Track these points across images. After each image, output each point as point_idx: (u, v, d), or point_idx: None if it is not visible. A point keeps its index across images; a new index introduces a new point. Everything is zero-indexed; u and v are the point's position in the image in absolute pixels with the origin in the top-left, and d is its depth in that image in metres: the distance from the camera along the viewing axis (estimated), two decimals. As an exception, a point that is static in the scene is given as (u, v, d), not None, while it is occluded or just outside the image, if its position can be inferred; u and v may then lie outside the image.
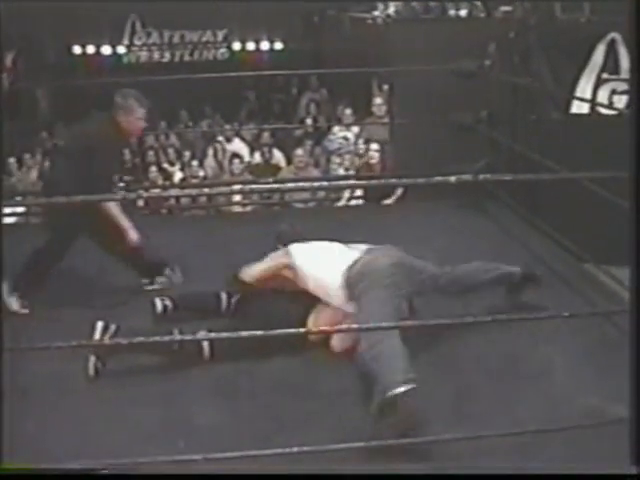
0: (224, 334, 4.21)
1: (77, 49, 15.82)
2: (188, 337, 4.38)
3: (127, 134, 5.67)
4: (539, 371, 4.33)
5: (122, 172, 5.48)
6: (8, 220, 8.24)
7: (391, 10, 9.52)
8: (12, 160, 11.44)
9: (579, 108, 6.86)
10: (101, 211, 5.31)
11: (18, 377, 4.04)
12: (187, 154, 11.86)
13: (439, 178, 3.36)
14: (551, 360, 4.42)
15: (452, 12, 9.10)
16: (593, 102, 6.77)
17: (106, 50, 15.96)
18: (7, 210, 7.98)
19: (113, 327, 4.56)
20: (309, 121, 12.97)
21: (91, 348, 4.47)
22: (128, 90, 5.58)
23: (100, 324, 4.57)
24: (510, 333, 4.35)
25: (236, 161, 10.49)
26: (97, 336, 4.50)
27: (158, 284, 5.77)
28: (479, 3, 8.84)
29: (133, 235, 5.42)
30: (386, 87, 9.78)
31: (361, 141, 10.27)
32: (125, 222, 5.43)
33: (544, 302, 4.87)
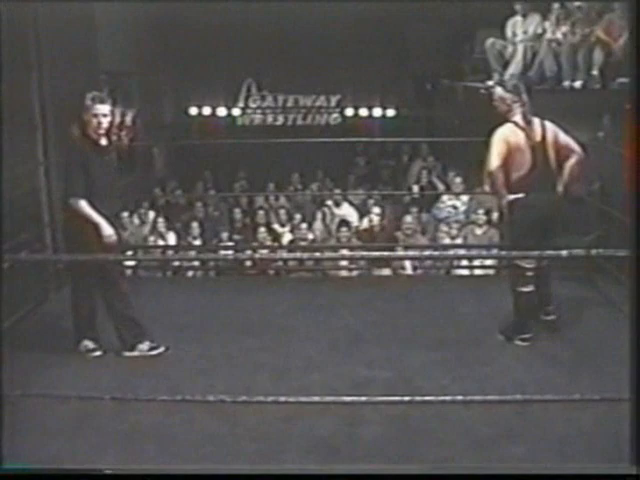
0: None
1: (193, 110, 16.25)
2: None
3: (92, 136, 5.78)
4: None
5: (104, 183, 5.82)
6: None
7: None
8: (126, 214, 11.70)
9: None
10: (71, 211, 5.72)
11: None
12: (296, 216, 11.97)
13: (550, 252, 3.32)
14: None
15: (566, 83, 9.04)
16: None
17: (221, 112, 16.34)
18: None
19: None
20: (416, 188, 12.96)
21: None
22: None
23: None
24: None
25: (344, 228, 10.51)
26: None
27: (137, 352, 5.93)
28: (596, 74, 8.77)
29: (107, 230, 5.67)
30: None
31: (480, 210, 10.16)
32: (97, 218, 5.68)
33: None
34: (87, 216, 5.64)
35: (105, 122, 5.71)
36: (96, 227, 5.63)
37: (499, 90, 6.17)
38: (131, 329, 5.90)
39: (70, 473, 3.25)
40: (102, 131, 5.73)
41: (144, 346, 5.90)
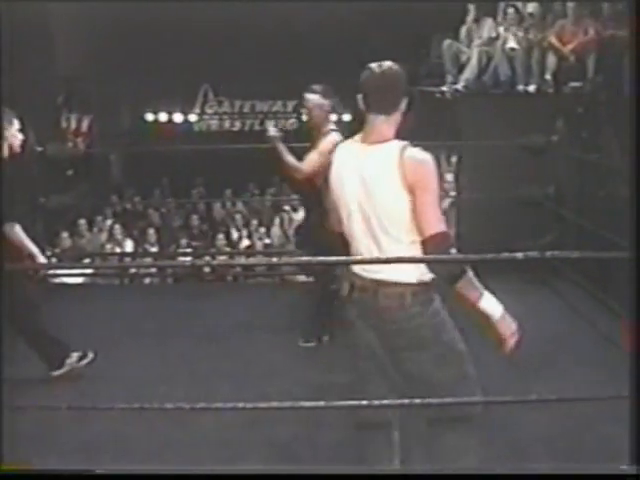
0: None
1: (150, 116, 16.19)
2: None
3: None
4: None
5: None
6: (76, 280, 8.40)
7: (460, 85, 9.54)
8: (82, 222, 11.63)
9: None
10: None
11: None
12: (254, 222, 11.96)
13: (506, 254, 3.33)
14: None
15: (520, 87, 9.11)
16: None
17: (178, 118, 16.29)
18: (75, 270, 8.19)
19: None
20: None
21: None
22: None
23: None
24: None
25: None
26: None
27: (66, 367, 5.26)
28: (549, 78, 8.85)
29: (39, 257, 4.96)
30: (454, 160, 9.79)
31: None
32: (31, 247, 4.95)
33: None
34: (22, 244, 4.91)
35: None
36: (30, 255, 4.91)
37: (316, 97, 5.66)
38: (57, 345, 5.26)
39: (70, 473, 3.22)
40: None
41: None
